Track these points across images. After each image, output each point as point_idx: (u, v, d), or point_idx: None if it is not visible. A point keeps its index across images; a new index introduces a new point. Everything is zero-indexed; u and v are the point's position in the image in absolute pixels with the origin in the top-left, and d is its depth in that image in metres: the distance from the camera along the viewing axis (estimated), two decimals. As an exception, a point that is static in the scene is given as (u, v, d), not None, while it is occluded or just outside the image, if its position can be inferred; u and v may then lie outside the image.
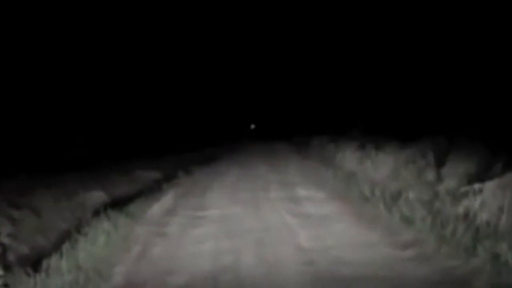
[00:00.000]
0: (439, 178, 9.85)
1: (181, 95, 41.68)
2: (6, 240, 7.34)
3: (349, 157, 16.05)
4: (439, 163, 10.59)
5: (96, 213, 8.81)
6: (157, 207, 10.63)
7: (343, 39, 30.99)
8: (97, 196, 12.07)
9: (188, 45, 41.13)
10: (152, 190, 12.75)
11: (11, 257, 7.03)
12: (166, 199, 11.69)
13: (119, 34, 32.40)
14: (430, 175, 10.32)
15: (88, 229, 7.56)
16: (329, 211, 9.31)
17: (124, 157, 21.19)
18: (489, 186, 7.71)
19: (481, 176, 8.58)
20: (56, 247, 6.97)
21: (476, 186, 7.91)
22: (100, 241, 7.03)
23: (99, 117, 29.97)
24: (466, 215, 7.36)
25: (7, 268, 6.19)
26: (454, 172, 9.65)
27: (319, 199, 10.79)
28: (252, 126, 56.96)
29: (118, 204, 10.41)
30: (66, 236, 7.50)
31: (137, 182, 14.93)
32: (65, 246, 6.74)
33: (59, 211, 9.51)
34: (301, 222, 8.49)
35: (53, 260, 6.27)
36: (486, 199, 7.44)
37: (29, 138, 22.52)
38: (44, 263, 6.19)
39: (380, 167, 12.80)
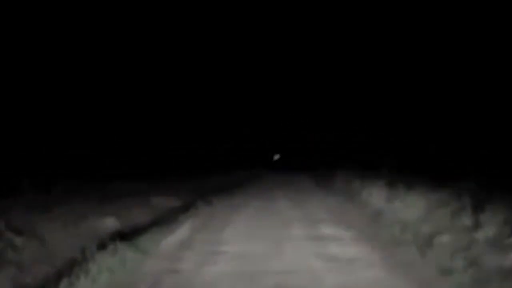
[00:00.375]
0: (477, 224, 9.05)
1: (204, 123, 41.39)
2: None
3: (376, 195, 15.28)
4: (476, 207, 9.80)
5: (103, 244, 8.07)
6: (172, 239, 9.95)
7: (374, 68, 30.39)
8: (109, 223, 11.46)
9: (211, 71, 40.97)
10: (168, 220, 12.07)
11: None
12: (182, 231, 11.02)
13: (142, 51, 32.29)
14: (466, 219, 9.53)
15: (92, 264, 6.84)
16: (357, 254, 8.55)
17: (141, 180, 20.58)
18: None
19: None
20: (54, 283, 6.27)
21: (525, 238, 7.16)
22: (102, 280, 6.35)
23: (117, 135, 29.58)
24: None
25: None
26: (494, 219, 8.87)
27: (345, 239, 10.03)
28: (276, 157, 56.22)
29: (130, 233, 9.77)
30: (66, 270, 6.81)
31: (153, 210, 14.30)
32: (63, 284, 6.06)
33: (66, 238, 8.90)
34: (327, 265, 7.74)
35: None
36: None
37: (34, 153, 21.97)
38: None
39: (411, 207, 12.02)
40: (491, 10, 18.19)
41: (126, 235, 9.20)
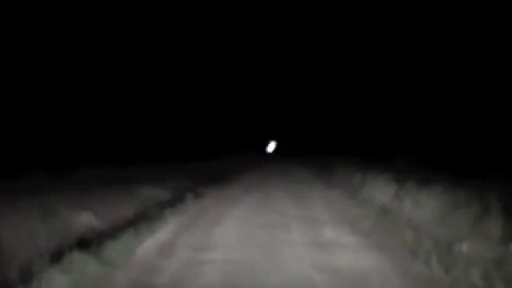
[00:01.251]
0: (509, 233, 7.63)
1: (202, 111, 40.34)
2: None
3: (381, 190, 13.89)
4: (506, 212, 8.39)
5: (61, 253, 6.53)
6: (150, 244, 8.51)
7: (387, 58, 29.18)
8: (84, 220, 10.08)
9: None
10: (150, 217, 10.61)
11: None
12: (164, 232, 9.60)
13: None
14: (493, 227, 8.10)
15: (36, 285, 5.31)
16: (368, 266, 7.14)
17: (129, 171, 19.15)
18: None
19: None
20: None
21: None
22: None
23: (102, 119, 28.39)
24: None
25: None
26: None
27: (352, 246, 8.62)
28: (270, 149, 54.73)
29: (102, 235, 8.36)
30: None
31: (136, 204, 12.86)
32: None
33: (22, 241, 7.48)
34: (333, 282, 6.37)
35: None
36: None
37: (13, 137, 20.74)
38: None
39: (423, 207, 10.65)
40: (491, 10, 17.05)
41: (94, 240, 7.70)
